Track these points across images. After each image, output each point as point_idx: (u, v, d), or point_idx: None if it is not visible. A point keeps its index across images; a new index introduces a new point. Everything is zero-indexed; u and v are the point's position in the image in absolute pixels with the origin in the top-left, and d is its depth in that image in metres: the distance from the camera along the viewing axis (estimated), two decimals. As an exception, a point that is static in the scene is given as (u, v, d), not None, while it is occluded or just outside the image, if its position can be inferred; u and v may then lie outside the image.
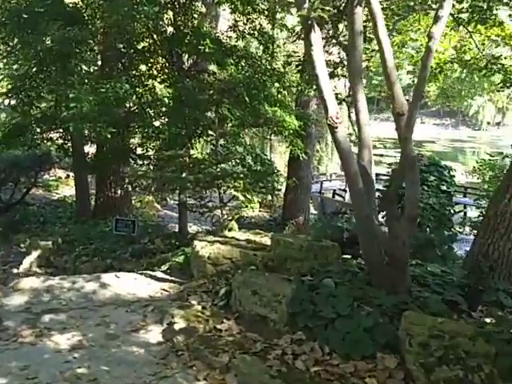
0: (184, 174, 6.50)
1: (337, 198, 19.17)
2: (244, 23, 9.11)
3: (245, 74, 7.90)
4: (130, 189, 11.68)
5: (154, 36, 8.23)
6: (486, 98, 56.95)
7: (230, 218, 6.38)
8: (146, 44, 8.72)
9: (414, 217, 4.18)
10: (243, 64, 8.41)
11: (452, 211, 10.67)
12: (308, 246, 4.77)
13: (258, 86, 7.21)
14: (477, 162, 11.46)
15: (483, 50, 10.51)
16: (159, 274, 5.58)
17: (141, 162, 9.60)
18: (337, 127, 3.86)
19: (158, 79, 8.67)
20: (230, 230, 6.13)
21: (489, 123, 60.75)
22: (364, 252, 4.35)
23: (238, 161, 6.56)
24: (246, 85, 7.00)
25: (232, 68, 7.87)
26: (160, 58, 8.84)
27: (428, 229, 10.69)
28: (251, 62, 8.45)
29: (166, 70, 8.40)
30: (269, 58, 9.00)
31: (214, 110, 6.73)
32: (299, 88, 8.35)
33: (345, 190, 20.01)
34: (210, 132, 7.07)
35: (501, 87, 10.06)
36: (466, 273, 4.45)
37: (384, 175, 22.18)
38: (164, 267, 5.77)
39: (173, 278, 5.35)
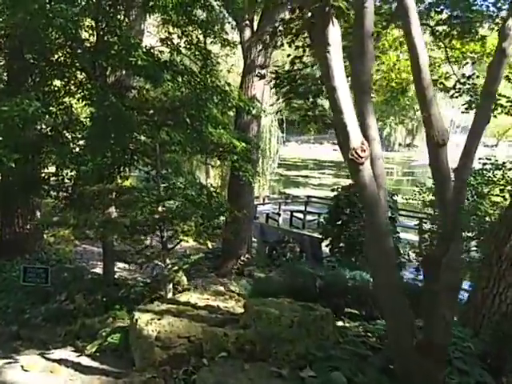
0: (114, 215, 5.20)
1: (270, 222, 18.46)
2: (179, 36, 8.06)
3: (184, 91, 6.82)
4: (41, 223, 9.93)
5: (73, 45, 6.86)
6: (398, 121, 60.79)
7: (177, 268, 5.13)
8: (61, 55, 7.31)
9: (456, 286, 3.26)
10: (180, 80, 7.33)
11: (397, 237, 10.34)
12: (300, 321, 3.67)
13: (199, 106, 6.15)
14: (416, 186, 11.24)
15: (459, 69, 10.16)
16: (85, 361, 4.12)
17: (55, 194, 8.03)
18: (362, 163, 2.93)
19: (77, 96, 7.28)
20: (179, 288, 4.94)
21: (400, 144, 64.77)
22: (390, 331, 3.36)
23: (179, 196, 5.36)
24: (187, 104, 5.90)
25: (169, 84, 6.77)
26: (79, 71, 7.46)
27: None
28: (189, 78, 7.40)
29: (89, 86, 7.04)
30: (207, 75, 8.00)
31: (150, 134, 5.52)
32: (247, 107, 7.43)
33: (278, 214, 19.40)
34: (147, 160, 5.83)
35: (466, 108, 9.80)
36: (486, 340, 3.68)
37: (316, 197, 22.19)
38: (92, 348, 4.29)
39: (105, 368, 3.91)
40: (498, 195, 10.09)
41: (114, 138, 5.80)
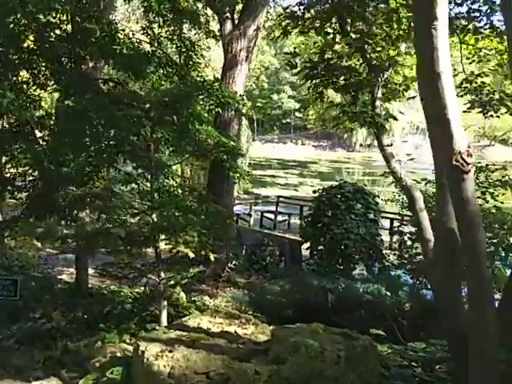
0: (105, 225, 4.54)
1: (241, 223, 18.01)
2: (160, 25, 7.49)
3: (168, 85, 6.26)
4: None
5: (46, 31, 6.15)
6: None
7: (173, 283, 4.54)
8: (32, 42, 6.55)
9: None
10: (163, 73, 6.77)
11: (380, 240, 10.18)
12: (347, 355, 3.17)
13: (188, 101, 5.62)
14: (396, 187, 11.12)
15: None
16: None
17: (21, 196, 7.26)
18: (468, 172, 2.45)
19: (49, 88, 6.55)
20: (179, 308, 4.39)
21: (361, 145, 65.90)
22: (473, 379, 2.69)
23: (174, 203, 4.78)
24: (178, 99, 5.34)
25: (153, 77, 6.19)
26: (51, 61, 6.73)
27: (361, 262, 10.04)
28: (174, 70, 6.84)
29: (62, 77, 6.33)
30: (191, 69, 7.47)
31: (143, 132, 4.91)
32: (236, 105, 6.94)
33: (249, 215, 18.99)
34: (139, 163, 5.20)
35: (468, 108, 9.56)
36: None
37: (286, 197, 21.92)
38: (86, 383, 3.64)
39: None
40: (479, 197, 10.14)
41: (95, 134, 5.19)
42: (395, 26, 5.87)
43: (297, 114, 64.37)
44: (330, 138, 68.36)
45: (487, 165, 9.78)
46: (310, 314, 4.29)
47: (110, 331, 4.40)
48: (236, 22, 10.14)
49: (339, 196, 10.42)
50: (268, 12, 13.16)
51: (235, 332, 3.62)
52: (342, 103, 6.23)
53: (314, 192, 11.10)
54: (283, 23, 7.06)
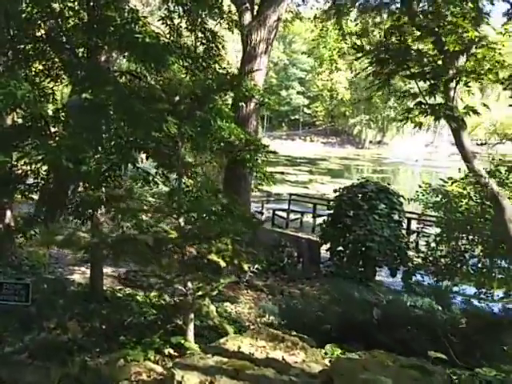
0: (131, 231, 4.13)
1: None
2: (180, 15, 7.08)
3: (192, 77, 5.87)
4: (12, 223, 8.75)
5: (61, 20, 5.75)
6: (368, 118, 61.20)
7: (201, 293, 4.11)
8: (45, 31, 6.16)
9: None
10: (185, 64, 6.36)
11: (406, 242, 9.74)
12: None
13: (215, 95, 5.21)
14: (420, 187, 10.67)
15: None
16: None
17: (33, 196, 6.87)
18: None
19: (64, 80, 6.18)
20: (210, 322, 3.97)
21: (371, 142, 65.28)
22: None
23: (204, 206, 4.34)
24: (205, 93, 4.92)
25: (174, 69, 5.79)
26: (66, 52, 6.34)
27: (385, 265, 9.61)
28: (195, 62, 6.44)
29: (77, 70, 5.94)
30: (212, 61, 7.06)
31: (172, 127, 4.47)
32: (262, 99, 6.54)
33: (261, 213, 18.58)
34: (163, 161, 4.78)
35: None
36: None
37: (299, 195, 21.49)
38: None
39: None
40: (509, 198, 9.67)
41: (115, 130, 4.80)
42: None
43: (305, 110, 63.83)
44: (338, 135, 67.76)
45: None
46: (353, 331, 3.88)
47: (132, 346, 4.01)
48: (255, 12, 9.72)
49: (361, 195, 10.00)
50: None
51: (283, 359, 3.20)
52: (415, 93, 5.58)
53: (335, 191, 10.66)
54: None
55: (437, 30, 5.12)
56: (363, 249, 9.25)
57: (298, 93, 62.81)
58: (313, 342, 3.57)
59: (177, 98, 4.18)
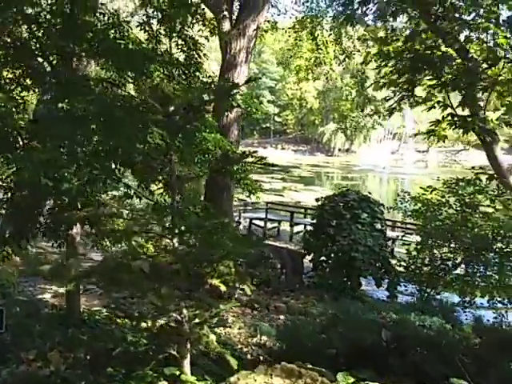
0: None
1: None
2: (159, 21, 6.79)
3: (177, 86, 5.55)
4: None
5: (34, 25, 5.35)
6: (337, 127, 62.18)
7: (199, 321, 3.71)
8: (16, 37, 5.73)
9: None
10: (165, 73, 6.07)
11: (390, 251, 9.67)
12: None
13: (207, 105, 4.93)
14: (398, 195, 10.68)
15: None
16: None
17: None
18: None
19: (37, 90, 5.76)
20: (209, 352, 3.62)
21: (340, 149, 66.25)
22: None
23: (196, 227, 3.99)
24: (200, 103, 4.62)
25: (157, 77, 5.49)
26: (37, 59, 5.93)
27: (370, 275, 9.49)
28: (177, 70, 6.16)
29: (52, 78, 5.55)
30: (193, 69, 6.79)
31: (164, 139, 4.13)
32: (250, 108, 6.31)
33: (238, 222, 18.29)
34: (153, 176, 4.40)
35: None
36: None
37: (276, 203, 21.32)
38: None
39: None
40: (488, 206, 9.75)
41: (99, 143, 4.45)
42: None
43: (276, 118, 64.30)
44: (308, 143, 68.50)
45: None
46: (361, 355, 3.66)
47: (121, 380, 3.64)
48: (234, 21, 9.52)
49: (343, 204, 9.89)
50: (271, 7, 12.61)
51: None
52: (445, 104, 5.30)
53: (317, 200, 10.52)
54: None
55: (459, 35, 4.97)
56: (347, 259, 9.10)
57: (268, 101, 63.14)
58: (332, 376, 3.30)
59: (171, 108, 3.88)
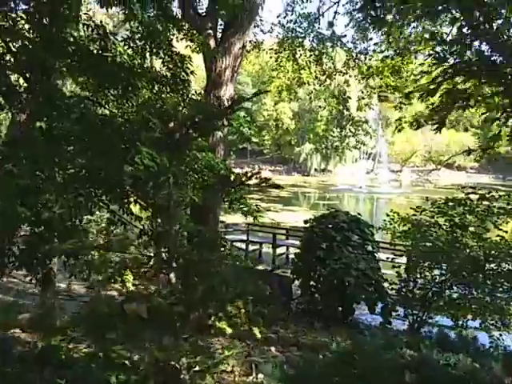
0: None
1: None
2: (142, 35, 6.45)
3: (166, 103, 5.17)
4: None
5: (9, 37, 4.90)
6: (313, 147, 62.78)
7: (199, 369, 3.23)
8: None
9: None
10: (150, 88, 5.69)
11: (381, 275, 9.34)
12: None
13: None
14: (387, 215, 10.45)
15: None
16: None
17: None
18: None
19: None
20: None
21: (316, 169, 66.82)
22: None
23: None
24: (202, 119, 4.24)
25: (145, 94, 5.11)
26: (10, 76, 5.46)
27: (363, 300, 9.12)
28: (164, 87, 5.79)
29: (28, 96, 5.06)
30: (181, 86, 6.44)
31: (161, 160, 3.69)
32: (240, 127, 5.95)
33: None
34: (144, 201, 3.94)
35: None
36: None
37: (258, 225, 20.84)
38: None
39: None
40: (479, 226, 9.62)
41: (83, 165, 3.99)
42: None
43: (253, 139, 64.40)
44: (285, 163, 68.83)
45: (490, 192, 9.33)
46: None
47: None
48: (219, 39, 9.26)
49: (333, 226, 9.59)
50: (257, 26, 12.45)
51: None
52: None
53: (305, 222, 10.18)
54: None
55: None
56: (340, 284, 8.74)
57: (245, 122, 63.31)
58: None
59: (171, 125, 3.49)
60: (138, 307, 2.76)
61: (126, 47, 6.26)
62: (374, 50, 15.05)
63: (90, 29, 4.82)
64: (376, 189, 56.21)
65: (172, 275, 3.21)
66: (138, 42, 6.43)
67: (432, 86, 5.69)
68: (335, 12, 16.16)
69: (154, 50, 6.49)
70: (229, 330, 2.99)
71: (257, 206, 6.17)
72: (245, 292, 3.09)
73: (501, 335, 8.47)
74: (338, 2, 16.23)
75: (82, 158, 4.01)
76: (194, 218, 9.11)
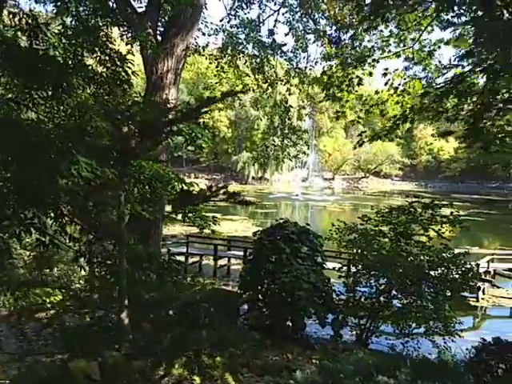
0: None
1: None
2: (72, 27, 5.78)
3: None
4: None
5: None
6: (250, 156, 62.93)
7: None
8: None
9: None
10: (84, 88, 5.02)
11: (331, 287, 9.11)
12: None
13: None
14: (333, 225, 10.34)
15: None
16: None
17: None
18: None
19: None
20: None
21: (253, 178, 67.06)
22: None
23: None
24: (155, 123, 3.68)
25: (80, 95, 4.46)
26: None
27: (314, 314, 8.81)
28: (105, 88, 5.15)
29: None
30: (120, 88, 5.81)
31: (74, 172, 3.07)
32: (194, 135, 5.42)
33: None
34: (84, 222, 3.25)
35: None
36: None
37: (196, 236, 20.12)
38: None
39: None
40: (422, 235, 9.76)
41: (9, 180, 3.26)
42: None
43: (189, 147, 63.37)
44: (222, 171, 68.42)
45: (433, 201, 9.49)
46: None
47: None
48: (159, 40, 8.66)
49: (282, 238, 9.26)
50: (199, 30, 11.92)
51: None
52: None
53: (254, 234, 9.77)
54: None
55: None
56: (290, 298, 8.40)
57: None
58: None
59: (125, 130, 2.91)
60: (88, 365, 2.16)
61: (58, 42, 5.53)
62: (316, 62, 15.13)
63: (17, 18, 4.08)
64: (311, 196, 57.41)
65: (124, 315, 2.62)
66: (71, 38, 5.71)
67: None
68: (275, 20, 16.09)
69: (90, 47, 5.79)
70: (197, 381, 2.50)
71: (214, 217, 5.70)
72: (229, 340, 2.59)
73: (445, 342, 8.58)
74: (278, 11, 16.20)
75: (4, 170, 3.31)
76: (136, 232, 8.44)
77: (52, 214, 3.37)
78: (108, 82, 5.40)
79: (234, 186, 62.83)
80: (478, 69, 5.21)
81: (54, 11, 5.57)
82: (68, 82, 4.38)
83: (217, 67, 15.12)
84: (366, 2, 7.29)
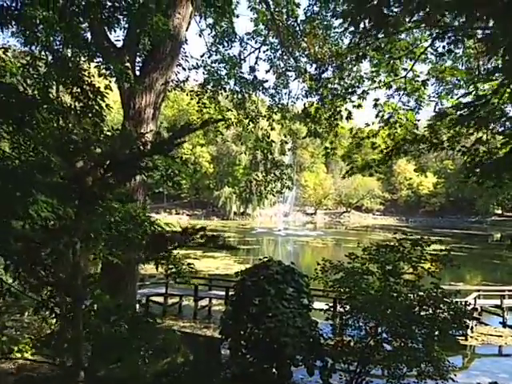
0: None
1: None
2: (48, 63, 5.45)
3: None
4: None
5: None
6: (232, 191, 62.75)
7: None
8: None
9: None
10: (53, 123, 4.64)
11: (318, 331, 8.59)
12: None
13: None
14: (318, 264, 9.92)
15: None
16: None
17: None
18: None
19: None
20: None
21: (235, 213, 66.56)
22: None
23: None
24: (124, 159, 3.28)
25: (45, 129, 4.05)
26: None
27: (301, 361, 8.23)
28: (74, 121, 4.76)
29: None
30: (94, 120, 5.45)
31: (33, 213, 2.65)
32: (171, 171, 5.05)
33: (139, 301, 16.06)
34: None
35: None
36: None
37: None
38: None
39: None
40: (411, 273, 9.41)
41: None
42: None
43: (169, 182, 62.90)
44: (204, 207, 67.83)
45: (421, 238, 9.20)
46: None
47: None
48: (138, 73, 8.38)
49: (266, 278, 8.77)
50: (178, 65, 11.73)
51: None
52: None
53: (237, 274, 9.27)
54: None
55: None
56: (275, 345, 7.84)
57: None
58: None
59: (80, 164, 2.51)
60: None
61: (22, 70, 5.16)
62: (298, 97, 15.14)
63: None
64: (293, 231, 57.03)
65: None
66: (40, 68, 5.36)
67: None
68: (257, 57, 16.15)
69: (61, 80, 5.43)
70: None
71: (189, 265, 5.27)
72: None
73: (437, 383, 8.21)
74: (259, 48, 16.29)
75: None
76: (105, 279, 7.85)
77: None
78: (78, 116, 5.02)
79: (215, 222, 62.13)
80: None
81: (23, 41, 5.25)
82: (32, 115, 4.00)
83: (198, 103, 14.97)
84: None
